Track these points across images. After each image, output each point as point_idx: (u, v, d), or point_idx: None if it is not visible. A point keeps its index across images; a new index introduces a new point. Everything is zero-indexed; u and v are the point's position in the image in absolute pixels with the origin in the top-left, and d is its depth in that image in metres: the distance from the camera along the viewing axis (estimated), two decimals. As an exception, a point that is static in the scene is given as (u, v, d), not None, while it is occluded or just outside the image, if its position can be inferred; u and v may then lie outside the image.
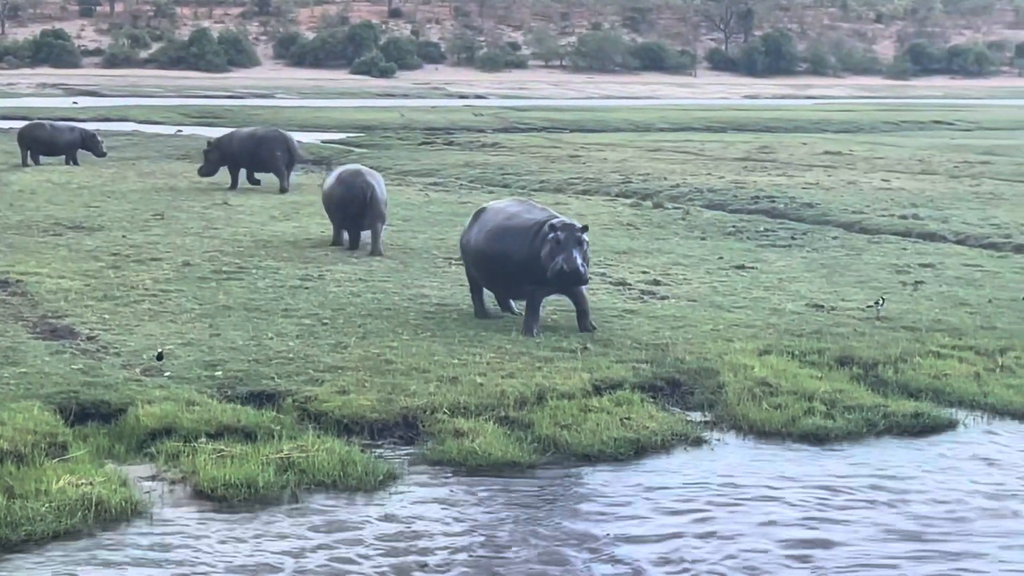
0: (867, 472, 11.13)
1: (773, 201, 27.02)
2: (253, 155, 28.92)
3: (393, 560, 9.16)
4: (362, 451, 11.10)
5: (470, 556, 9.29)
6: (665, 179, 31.41)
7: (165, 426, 11.35)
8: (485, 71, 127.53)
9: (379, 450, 11.38)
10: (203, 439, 11.13)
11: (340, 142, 45.55)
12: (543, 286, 14.79)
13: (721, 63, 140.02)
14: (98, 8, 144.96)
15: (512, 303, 15.95)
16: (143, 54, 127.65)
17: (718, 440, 11.93)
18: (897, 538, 9.75)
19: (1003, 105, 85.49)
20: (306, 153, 34.53)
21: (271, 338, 14.19)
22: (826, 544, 9.59)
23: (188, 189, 28.80)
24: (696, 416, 12.53)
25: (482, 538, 9.61)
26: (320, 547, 9.38)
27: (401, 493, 10.46)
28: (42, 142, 34.39)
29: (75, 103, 69.06)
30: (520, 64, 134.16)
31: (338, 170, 21.44)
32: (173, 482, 10.53)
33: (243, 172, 29.24)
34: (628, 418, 11.99)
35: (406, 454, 11.33)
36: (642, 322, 15.43)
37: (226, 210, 24.93)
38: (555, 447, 11.45)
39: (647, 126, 57.59)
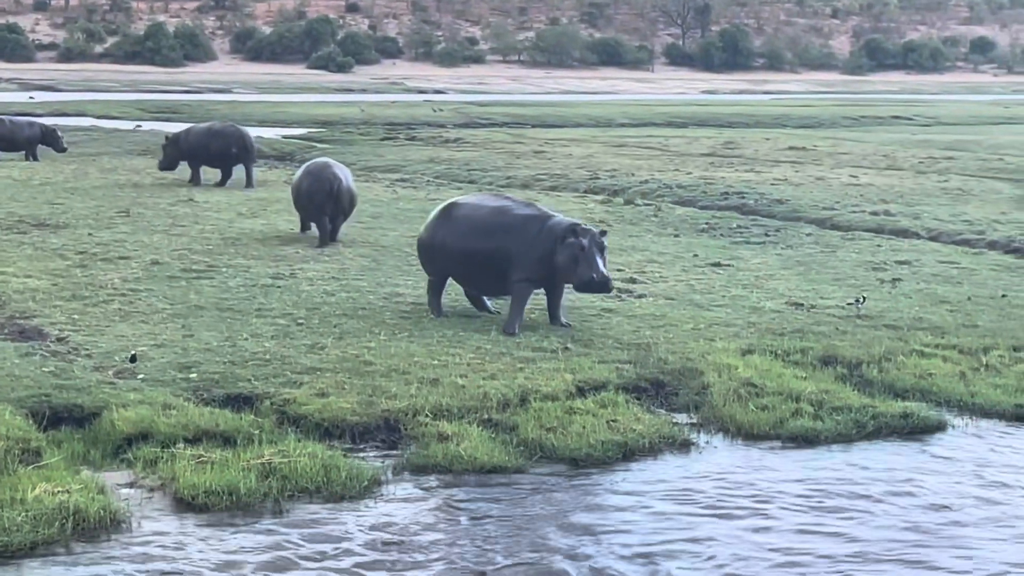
0: (861, 475, 10.94)
1: (743, 197, 26.87)
2: (208, 150, 28.69)
3: (383, 573, 8.90)
4: (344, 456, 10.82)
5: (461, 564, 9.05)
6: (633, 175, 31.21)
7: (141, 431, 11.05)
8: (443, 66, 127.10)
9: (361, 454, 11.11)
10: (181, 444, 10.83)
11: (301, 137, 45.18)
12: (534, 283, 14.58)
13: (678, 58, 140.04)
14: (52, 2, 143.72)
15: (488, 302, 15.71)
16: (98, 48, 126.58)
17: (706, 443, 11.73)
18: (896, 541, 9.57)
19: (960, 100, 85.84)
20: (269, 149, 34.22)
21: (246, 339, 13.89)
22: (824, 548, 9.41)
23: (152, 185, 28.40)
24: (682, 418, 12.33)
25: (473, 546, 9.36)
26: (307, 557, 9.11)
27: (387, 500, 10.20)
28: (1, 138, 33.88)
29: (31, 98, 68.35)
30: (478, 59, 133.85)
31: (307, 163, 21.77)
32: (152, 489, 10.23)
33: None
34: (614, 420, 11.77)
35: (390, 459, 11.06)
36: (621, 321, 15.22)
37: (192, 207, 24.56)
38: (541, 451, 11.21)
39: (608, 121, 57.46)
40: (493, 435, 11.41)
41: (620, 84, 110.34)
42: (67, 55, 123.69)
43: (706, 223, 23.68)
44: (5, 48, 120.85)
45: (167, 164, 29.15)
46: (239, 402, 11.91)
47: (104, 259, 18.45)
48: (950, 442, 11.89)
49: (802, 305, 16.28)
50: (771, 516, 10.01)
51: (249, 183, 28.54)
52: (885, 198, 26.93)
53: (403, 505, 10.10)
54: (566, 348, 13.88)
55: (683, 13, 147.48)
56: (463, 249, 14.92)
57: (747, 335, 14.65)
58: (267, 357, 13.16)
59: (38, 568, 8.82)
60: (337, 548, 9.27)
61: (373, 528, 9.63)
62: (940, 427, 12.21)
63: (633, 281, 17.55)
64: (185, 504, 9.92)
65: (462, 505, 10.16)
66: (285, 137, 44.34)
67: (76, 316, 14.77)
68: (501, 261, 14.68)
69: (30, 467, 10.20)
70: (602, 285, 14.45)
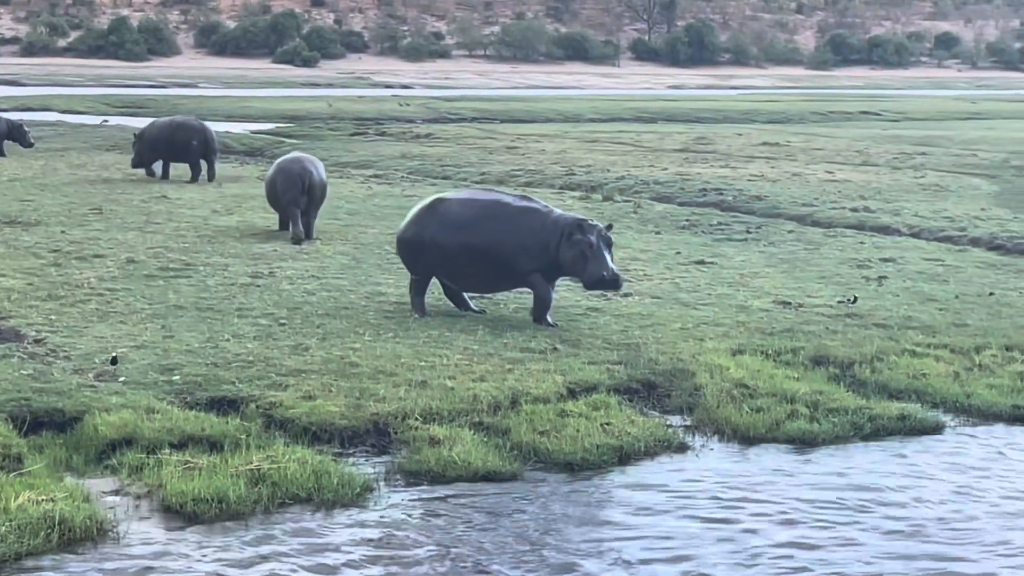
0: (862, 479, 10.73)
1: (721, 194, 26.68)
2: (169, 144, 28.41)
3: (381, 584, 8.67)
4: (334, 461, 10.56)
5: (460, 573, 8.81)
6: (608, 171, 30.99)
7: (125, 436, 10.72)
8: (409, 61, 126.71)
9: (351, 459, 10.85)
10: (167, 450, 10.53)
11: (270, 132, 44.83)
12: (544, 273, 14.36)
13: (644, 53, 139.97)
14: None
15: (471, 302, 15.45)
16: (62, 43, 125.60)
17: (703, 446, 11.51)
18: (899, 545, 9.38)
19: (925, 96, 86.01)
20: (239, 144, 33.87)
21: (228, 340, 13.59)
22: (830, 554, 9.21)
23: (122, 181, 28.02)
24: (676, 420, 12.11)
25: (469, 556, 9.10)
26: (300, 567, 8.84)
27: (380, 507, 9.92)
28: (-34, 134, 33.45)
29: (-6, 93, 67.81)
30: (444, 54, 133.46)
31: (279, 159, 21.77)
32: (138, 497, 9.92)
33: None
34: (608, 424, 11.53)
35: (381, 464, 10.79)
36: (609, 320, 14.99)
37: (165, 204, 24.19)
38: (535, 455, 10.97)
39: (577, 116, 57.29)
40: (485, 439, 11.16)
41: (586, 79, 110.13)
42: (30, 49, 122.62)
43: (686, 220, 23.47)
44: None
45: (137, 161, 28.85)
46: (224, 405, 11.62)
47: (79, 257, 18.09)
48: (950, 445, 11.69)
49: (789, 304, 16.08)
50: (774, 521, 9.80)
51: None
52: (863, 194, 26.78)
53: (397, 513, 9.82)
54: (555, 349, 13.64)
55: (649, 8, 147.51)
56: (456, 244, 14.61)
57: (736, 335, 14.44)
58: (250, 359, 12.86)
59: (24, 581, 8.53)
60: (331, 558, 9.00)
61: (367, 537, 9.35)
62: (938, 429, 12.03)
63: (618, 279, 17.32)
64: (173, 512, 9.62)
65: (457, 512, 9.89)
66: (254, 132, 43.94)
67: (53, 316, 14.43)
68: (497, 256, 14.42)
69: (12, 474, 9.89)
70: (613, 283, 14.27)
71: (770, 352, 13.72)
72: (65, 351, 12.98)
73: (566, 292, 16.21)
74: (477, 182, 29.34)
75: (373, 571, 8.82)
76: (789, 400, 12.25)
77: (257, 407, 11.55)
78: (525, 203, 14.79)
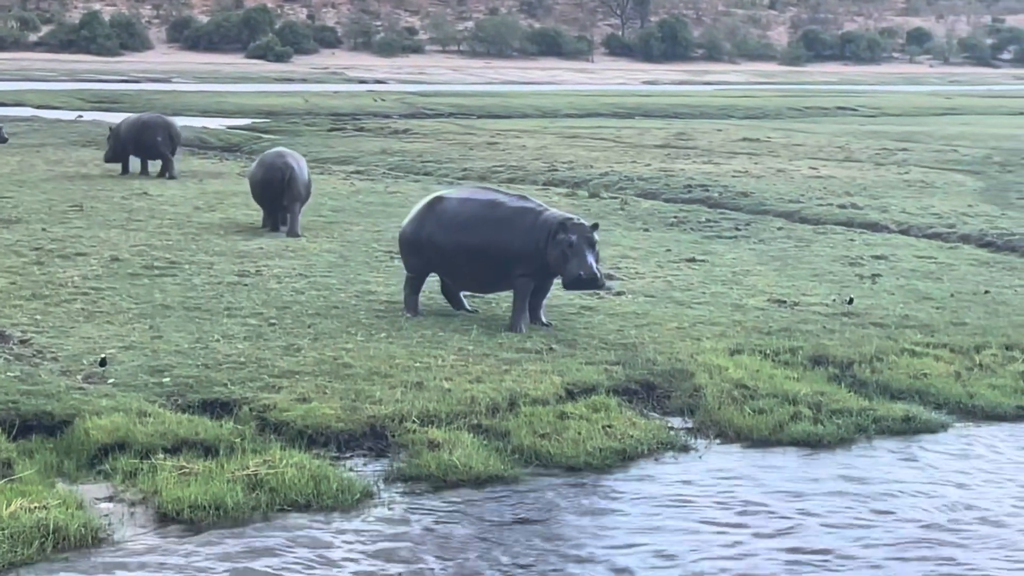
0: (868, 481, 10.56)
1: (707, 190, 26.48)
2: (138, 141, 28.18)
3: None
4: (332, 466, 10.32)
5: (466, 583, 8.60)
6: (591, 167, 30.76)
7: (117, 440, 10.46)
8: (382, 56, 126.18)
9: (349, 463, 10.61)
10: (160, 454, 10.27)
11: (246, 128, 44.44)
12: (534, 278, 14.11)
13: (618, 49, 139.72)
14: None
15: (465, 302, 15.22)
16: (33, 37, 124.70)
17: (706, 448, 11.31)
18: (908, 548, 9.21)
19: (899, 91, 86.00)
20: (216, 140, 33.52)
21: (217, 340, 13.31)
22: (836, 556, 9.02)
23: (101, 177, 27.68)
24: (677, 422, 11.91)
25: (475, 561, 8.88)
26: (300, 575, 8.61)
27: (381, 513, 9.68)
28: (-59, 129, 33.04)
29: (-34, 88, 67.15)
30: (417, 49, 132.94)
31: (262, 154, 21.74)
32: (133, 503, 9.66)
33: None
34: (610, 426, 11.33)
35: (379, 468, 10.55)
36: (604, 320, 14.77)
37: (147, 200, 23.86)
38: (536, 458, 10.75)
39: (554, 112, 56.95)
40: (485, 442, 10.93)
41: (561, 75, 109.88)
42: (1, 44, 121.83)
43: (675, 217, 23.25)
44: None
45: (111, 156, 28.62)
46: (217, 408, 11.35)
47: (61, 256, 17.77)
48: (955, 446, 11.52)
49: (785, 302, 15.88)
50: (781, 525, 9.62)
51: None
52: (849, 191, 26.61)
53: (397, 518, 9.60)
54: (551, 349, 13.41)
55: (622, 4, 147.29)
56: (453, 244, 14.38)
57: (733, 334, 14.24)
58: (242, 360, 12.59)
59: (19, 592, 8.28)
60: (331, 565, 8.78)
61: (369, 545, 9.12)
62: (943, 430, 11.87)
63: (610, 277, 17.02)
64: (169, 519, 9.38)
65: (459, 518, 9.67)
66: (230, 128, 43.55)
67: (39, 317, 14.13)
68: (494, 255, 14.18)
69: (3, 480, 9.62)
70: (591, 282, 13.96)
71: (768, 352, 13.51)
72: (52, 352, 12.69)
73: (558, 290, 15.95)
74: (459, 178, 29.08)
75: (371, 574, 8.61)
76: (791, 401, 12.06)
77: (251, 410, 11.29)
78: (521, 203, 14.56)
